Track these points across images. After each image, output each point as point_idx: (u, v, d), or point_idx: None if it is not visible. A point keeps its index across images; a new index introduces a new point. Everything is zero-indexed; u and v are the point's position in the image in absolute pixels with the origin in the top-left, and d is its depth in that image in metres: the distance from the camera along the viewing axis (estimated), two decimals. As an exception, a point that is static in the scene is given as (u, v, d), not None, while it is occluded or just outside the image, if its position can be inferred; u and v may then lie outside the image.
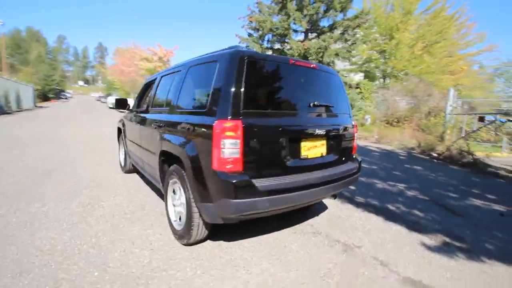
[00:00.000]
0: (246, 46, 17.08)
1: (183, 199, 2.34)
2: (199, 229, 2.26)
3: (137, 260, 2.21)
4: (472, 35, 17.06)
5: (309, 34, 17.01)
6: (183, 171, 2.29)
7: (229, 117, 1.92)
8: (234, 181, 1.87)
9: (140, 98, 4.13)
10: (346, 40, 15.45)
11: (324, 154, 2.46)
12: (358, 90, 16.10)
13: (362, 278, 2.11)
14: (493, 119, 8.25)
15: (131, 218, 2.97)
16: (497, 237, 2.88)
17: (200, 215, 2.19)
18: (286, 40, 16.74)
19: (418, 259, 2.41)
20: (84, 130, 10.79)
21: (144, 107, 3.61)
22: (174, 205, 2.58)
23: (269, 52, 17.90)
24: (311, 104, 2.35)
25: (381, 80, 17.79)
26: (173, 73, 3.03)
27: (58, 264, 2.12)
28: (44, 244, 2.40)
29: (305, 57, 15.09)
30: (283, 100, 2.26)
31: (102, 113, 21.14)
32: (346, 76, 17.36)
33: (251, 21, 16.78)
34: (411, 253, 2.50)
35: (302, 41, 15.69)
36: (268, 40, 17.60)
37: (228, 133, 1.88)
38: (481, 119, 8.46)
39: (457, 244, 2.70)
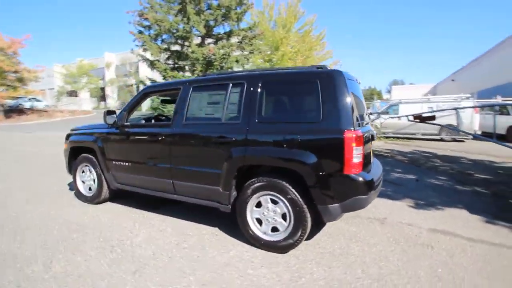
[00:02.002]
0: (142, 45, 15.60)
1: (279, 210, 2.54)
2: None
3: None
4: (323, 51, 22.46)
5: (205, 39, 17.41)
6: (283, 182, 2.44)
7: (352, 128, 2.29)
8: (367, 180, 2.28)
9: (130, 110, 3.51)
10: (243, 49, 16.80)
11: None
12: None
13: (406, 235, 2.96)
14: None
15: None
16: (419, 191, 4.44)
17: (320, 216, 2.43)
18: (186, 44, 16.45)
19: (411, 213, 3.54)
20: None
21: (172, 122, 3.15)
22: (264, 215, 2.62)
23: (167, 54, 17.02)
24: (366, 113, 2.97)
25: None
26: (221, 84, 2.93)
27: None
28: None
29: (209, 62, 15.41)
30: (361, 111, 2.79)
31: None
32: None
33: (144, 18, 15.43)
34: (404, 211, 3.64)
35: (198, 45, 15.86)
36: (162, 40, 16.71)
37: (355, 141, 2.26)
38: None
39: (417, 201, 4.01)
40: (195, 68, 17.93)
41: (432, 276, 2.22)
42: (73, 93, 35.18)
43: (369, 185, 2.34)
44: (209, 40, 17.92)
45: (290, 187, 2.45)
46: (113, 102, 34.93)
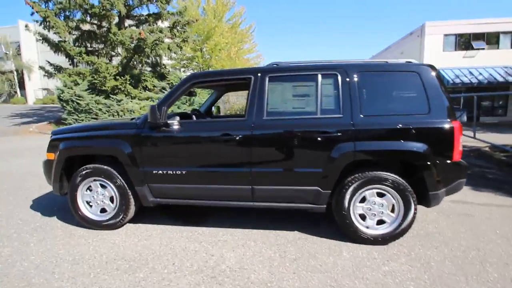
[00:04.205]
0: (43, 21, 12.22)
1: (386, 203, 2.54)
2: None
3: None
4: (247, 45, 22.96)
5: (125, 20, 15.12)
6: (392, 175, 2.47)
7: (454, 119, 2.48)
8: (467, 165, 2.54)
9: (171, 104, 2.79)
10: (174, 35, 15.35)
11: None
12: (190, 85, 16.78)
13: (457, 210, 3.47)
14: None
15: None
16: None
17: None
18: (104, 24, 13.84)
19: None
20: None
21: (247, 117, 2.66)
22: (369, 210, 2.56)
23: (74, 34, 13.95)
24: None
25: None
26: (307, 75, 2.65)
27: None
28: None
29: (138, 46, 13.44)
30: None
31: None
32: (175, 71, 17.38)
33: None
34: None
35: (117, 27, 13.73)
36: (67, 17, 13.58)
37: (459, 131, 2.47)
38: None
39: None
40: (114, 53, 15.45)
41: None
42: None
43: (467, 169, 2.62)
44: (129, 22, 15.65)
45: (399, 178, 2.48)
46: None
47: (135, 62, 15.24)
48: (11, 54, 24.89)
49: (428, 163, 2.44)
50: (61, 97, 13.20)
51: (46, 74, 14.29)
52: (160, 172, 2.74)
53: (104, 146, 2.83)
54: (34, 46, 26.54)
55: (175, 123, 2.73)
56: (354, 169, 2.57)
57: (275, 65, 2.79)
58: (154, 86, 15.22)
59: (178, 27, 15.15)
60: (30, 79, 27.16)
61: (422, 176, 2.48)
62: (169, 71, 16.46)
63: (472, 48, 19.18)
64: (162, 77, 15.75)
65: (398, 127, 2.47)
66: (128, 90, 13.83)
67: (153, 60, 16.21)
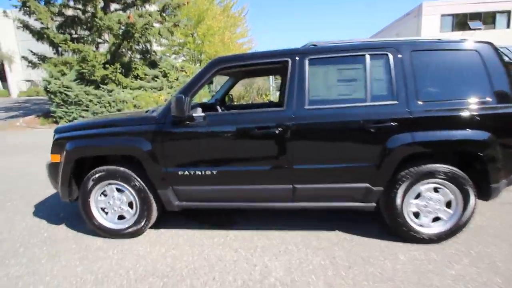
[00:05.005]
0: (24, 5, 11.28)
1: (443, 198, 2.29)
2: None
3: None
4: (239, 28, 22.13)
5: (110, 4, 14.18)
6: (452, 168, 2.22)
7: None
8: None
9: (194, 93, 2.42)
10: (164, 20, 14.51)
11: None
12: (184, 73, 16.13)
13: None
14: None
15: None
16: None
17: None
18: (88, 9, 12.90)
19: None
20: None
21: (286, 107, 2.32)
22: (425, 207, 2.31)
23: (58, 20, 13.02)
24: None
25: (198, 64, 18.77)
26: (353, 56, 2.30)
27: None
28: None
29: (127, 32, 12.64)
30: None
31: None
32: (169, 57, 16.62)
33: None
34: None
35: (105, 12, 12.87)
36: (50, 2, 12.61)
37: None
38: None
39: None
40: (101, 40, 14.54)
41: None
42: None
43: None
44: (116, 6, 14.68)
45: (459, 171, 2.23)
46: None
47: (124, 49, 14.40)
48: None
49: (493, 153, 2.18)
50: (48, 89, 12.38)
51: (30, 64, 13.38)
52: (187, 172, 2.40)
53: (120, 145, 2.46)
54: (13, 35, 24.91)
55: (201, 116, 2.37)
56: (405, 163, 2.30)
57: (313, 46, 2.43)
58: (145, 75, 14.49)
59: (168, 11, 14.32)
60: (11, 70, 25.69)
61: (485, 168, 2.23)
62: (160, 58, 15.69)
63: (469, 29, 18.98)
64: (153, 64, 15.00)
65: (460, 114, 2.18)
66: (119, 80, 13.12)
67: (143, 46, 15.38)
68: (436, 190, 2.32)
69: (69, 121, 12.09)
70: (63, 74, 12.61)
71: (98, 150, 2.52)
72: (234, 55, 2.61)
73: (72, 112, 12.36)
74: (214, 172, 2.38)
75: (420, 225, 2.37)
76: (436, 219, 2.37)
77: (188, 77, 16.20)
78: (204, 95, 12.82)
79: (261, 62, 2.46)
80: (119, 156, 2.64)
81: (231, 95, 4.29)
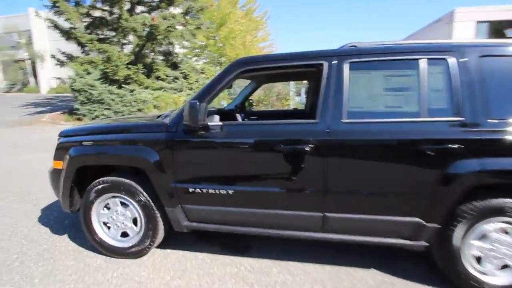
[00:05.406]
0: (53, 6, 11.64)
1: None
2: None
3: None
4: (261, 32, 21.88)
5: (136, 6, 14.38)
6: None
7: None
8: None
9: (212, 98, 2.09)
10: (187, 22, 14.53)
11: None
12: (204, 75, 16.08)
13: None
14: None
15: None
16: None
17: None
18: (115, 10, 13.16)
19: None
20: None
21: (319, 119, 1.93)
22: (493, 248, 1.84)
23: (86, 20, 13.37)
24: None
25: (218, 67, 18.72)
26: (404, 60, 1.89)
27: None
28: None
29: (151, 33, 12.74)
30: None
31: None
32: (190, 59, 16.69)
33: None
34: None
35: (129, 13, 13.01)
36: (77, 3, 12.96)
37: None
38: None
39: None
40: (126, 41, 14.79)
41: None
42: None
43: None
44: (141, 8, 14.91)
45: None
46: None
47: (147, 51, 14.58)
48: (23, 43, 24.56)
49: None
50: (73, 87, 12.68)
51: (58, 62, 13.81)
52: (199, 190, 2.08)
53: (124, 155, 2.18)
54: (45, 35, 26.12)
55: (218, 126, 2.04)
56: (468, 195, 1.84)
57: (354, 47, 2.04)
58: (166, 76, 14.56)
59: (191, 13, 14.35)
60: (42, 68, 26.92)
61: None
62: (182, 59, 15.74)
63: (505, 37, 17.65)
64: (174, 66, 15.06)
65: None
66: (141, 80, 13.24)
67: (166, 48, 15.53)
68: (506, 231, 1.85)
69: (92, 119, 12.29)
70: (88, 73, 12.88)
71: (101, 159, 2.26)
72: (259, 56, 2.29)
73: (95, 110, 12.55)
74: (230, 191, 2.03)
75: (483, 273, 1.90)
76: (505, 266, 1.89)
77: (208, 79, 16.16)
78: (222, 98, 12.64)
79: (290, 65, 2.09)
80: (126, 166, 2.36)
81: (252, 100, 3.95)
